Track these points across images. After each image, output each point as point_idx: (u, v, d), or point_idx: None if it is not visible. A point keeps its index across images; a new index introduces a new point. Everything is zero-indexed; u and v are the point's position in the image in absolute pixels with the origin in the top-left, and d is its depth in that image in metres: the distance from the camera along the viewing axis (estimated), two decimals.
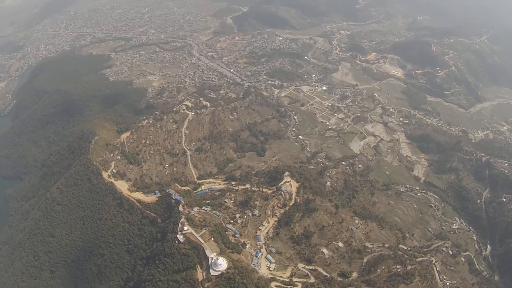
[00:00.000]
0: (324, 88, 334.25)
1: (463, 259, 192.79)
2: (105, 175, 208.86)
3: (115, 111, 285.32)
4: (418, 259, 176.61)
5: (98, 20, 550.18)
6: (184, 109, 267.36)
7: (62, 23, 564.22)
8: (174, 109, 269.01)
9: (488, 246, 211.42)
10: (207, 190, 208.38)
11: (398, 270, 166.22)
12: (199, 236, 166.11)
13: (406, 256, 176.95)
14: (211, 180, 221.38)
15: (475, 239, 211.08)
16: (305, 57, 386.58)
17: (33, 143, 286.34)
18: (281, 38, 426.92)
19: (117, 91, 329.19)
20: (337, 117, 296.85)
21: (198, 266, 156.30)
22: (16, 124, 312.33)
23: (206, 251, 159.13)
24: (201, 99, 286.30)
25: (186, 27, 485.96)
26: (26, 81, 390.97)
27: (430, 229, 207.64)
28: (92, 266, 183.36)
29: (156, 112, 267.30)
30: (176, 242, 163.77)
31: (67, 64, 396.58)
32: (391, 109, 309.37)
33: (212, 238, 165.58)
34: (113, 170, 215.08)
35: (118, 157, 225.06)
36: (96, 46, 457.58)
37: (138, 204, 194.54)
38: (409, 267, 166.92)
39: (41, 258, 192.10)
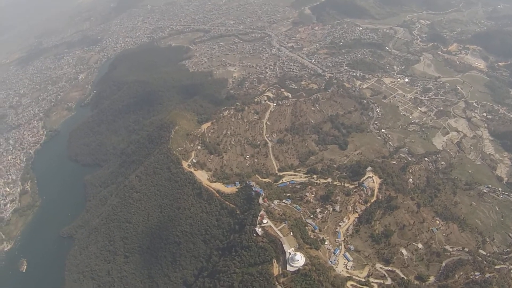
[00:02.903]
0: (406, 80, 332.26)
1: None
2: (184, 164, 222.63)
3: (195, 102, 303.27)
4: (497, 267, 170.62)
5: (176, 13, 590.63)
6: (265, 100, 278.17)
7: (139, 17, 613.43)
8: (256, 100, 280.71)
9: None
10: (288, 182, 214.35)
11: (476, 278, 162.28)
12: (278, 230, 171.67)
13: (485, 262, 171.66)
14: (292, 172, 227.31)
15: None
16: (386, 47, 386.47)
17: (113, 132, 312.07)
18: (361, 28, 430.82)
19: (197, 82, 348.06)
20: (420, 110, 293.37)
21: (275, 260, 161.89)
22: (95, 113, 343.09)
23: (284, 245, 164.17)
24: (282, 90, 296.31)
25: (265, 17, 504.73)
26: (105, 72, 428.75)
27: (511, 234, 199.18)
28: (167, 254, 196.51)
29: (237, 103, 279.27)
30: (254, 234, 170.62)
31: (146, 56, 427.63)
32: (474, 104, 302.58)
33: (291, 233, 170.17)
34: (193, 160, 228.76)
35: (199, 147, 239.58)
36: (175, 38, 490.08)
37: (218, 195, 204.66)
38: (487, 275, 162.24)
39: (116, 243, 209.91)
